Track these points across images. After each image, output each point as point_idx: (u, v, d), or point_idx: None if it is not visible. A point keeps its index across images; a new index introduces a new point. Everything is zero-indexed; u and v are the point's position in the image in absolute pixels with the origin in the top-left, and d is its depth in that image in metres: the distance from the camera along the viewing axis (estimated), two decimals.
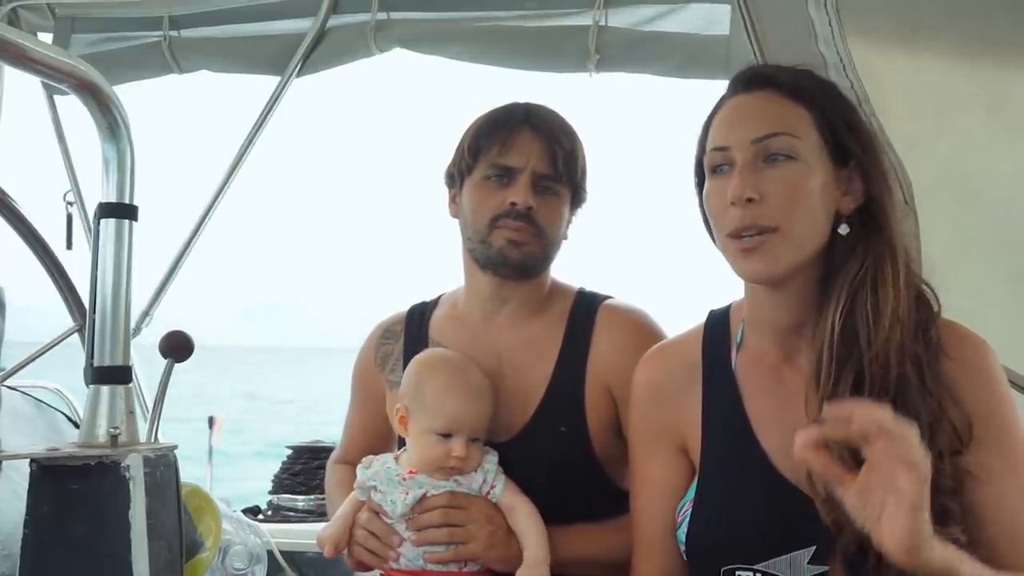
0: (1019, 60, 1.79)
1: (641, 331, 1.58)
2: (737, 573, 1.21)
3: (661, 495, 1.32)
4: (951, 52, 1.82)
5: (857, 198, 1.22)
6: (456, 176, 1.61)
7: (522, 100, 1.61)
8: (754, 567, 1.19)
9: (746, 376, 1.29)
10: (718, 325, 1.35)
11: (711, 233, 1.31)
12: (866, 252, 1.19)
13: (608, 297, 1.64)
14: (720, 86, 1.31)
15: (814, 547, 1.16)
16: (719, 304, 1.39)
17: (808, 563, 1.17)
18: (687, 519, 1.27)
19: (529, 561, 1.45)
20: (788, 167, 1.18)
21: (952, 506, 1.12)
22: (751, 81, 1.26)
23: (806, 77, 1.26)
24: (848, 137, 1.22)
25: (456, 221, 1.64)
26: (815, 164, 1.19)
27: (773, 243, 1.17)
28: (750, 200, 1.16)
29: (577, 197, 1.61)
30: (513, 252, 1.54)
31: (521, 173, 1.53)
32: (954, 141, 1.83)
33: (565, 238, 1.62)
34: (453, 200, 1.64)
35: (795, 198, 1.17)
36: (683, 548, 1.27)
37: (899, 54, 1.84)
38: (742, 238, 1.18)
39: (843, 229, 1.20)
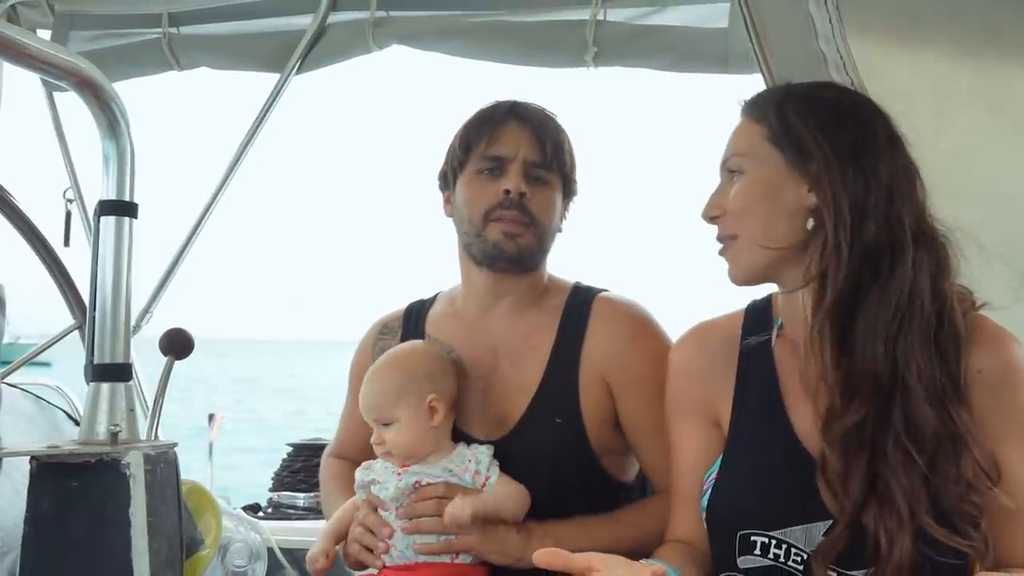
0: (1020, 56, 1.79)
1: (636, 322, 1.58)
2: (752, 538, 1.23)
3: (694, 466, 1.35)
4: (951, 49, 1.81)
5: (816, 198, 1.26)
6: (449, 175, 1.63)
7: (509, 98, 1.63)
8: (769, 533, 1.22)
9: (783, 358, 1.32)
10: (759, 311, 1.39)
11: None
12: (824, 247, 1.21)
13: (604, 290, 1.65)
14: (719, 80, 1.33)
15: (831, 520, 1.18)
16: (717, 298, 1.43)
17: (823, 535, 1.18)
18: (711, 488, 1.30)
19: (481, 495, 1.46)
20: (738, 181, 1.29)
21: (974, 505, 1.14)
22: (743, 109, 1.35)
23: (781, 89, 1.33)
24: (810, 142, 1.24)
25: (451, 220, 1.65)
26: (764, 174, 1.26)
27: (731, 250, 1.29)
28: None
29: (568, 188, 1.63)
30: (509, 245, 1.55)
31: (512, 162, 1.55)
32: (954, 138, 1.82)
33: (559, 230, 1.63)
34: (447, 201, 1.65)
35: (745, 207, 1.27)
36: (704, 515, 1.31)
37: (899, 51, 1.83)
38: None
39: (810, 224, 1.23)
